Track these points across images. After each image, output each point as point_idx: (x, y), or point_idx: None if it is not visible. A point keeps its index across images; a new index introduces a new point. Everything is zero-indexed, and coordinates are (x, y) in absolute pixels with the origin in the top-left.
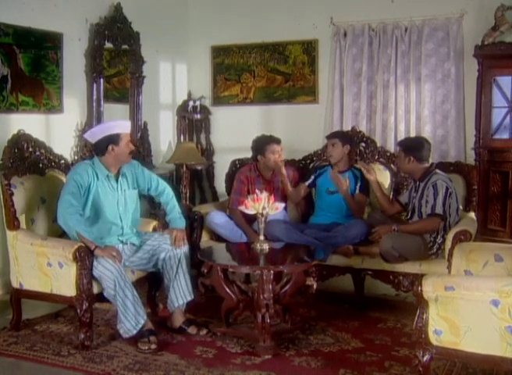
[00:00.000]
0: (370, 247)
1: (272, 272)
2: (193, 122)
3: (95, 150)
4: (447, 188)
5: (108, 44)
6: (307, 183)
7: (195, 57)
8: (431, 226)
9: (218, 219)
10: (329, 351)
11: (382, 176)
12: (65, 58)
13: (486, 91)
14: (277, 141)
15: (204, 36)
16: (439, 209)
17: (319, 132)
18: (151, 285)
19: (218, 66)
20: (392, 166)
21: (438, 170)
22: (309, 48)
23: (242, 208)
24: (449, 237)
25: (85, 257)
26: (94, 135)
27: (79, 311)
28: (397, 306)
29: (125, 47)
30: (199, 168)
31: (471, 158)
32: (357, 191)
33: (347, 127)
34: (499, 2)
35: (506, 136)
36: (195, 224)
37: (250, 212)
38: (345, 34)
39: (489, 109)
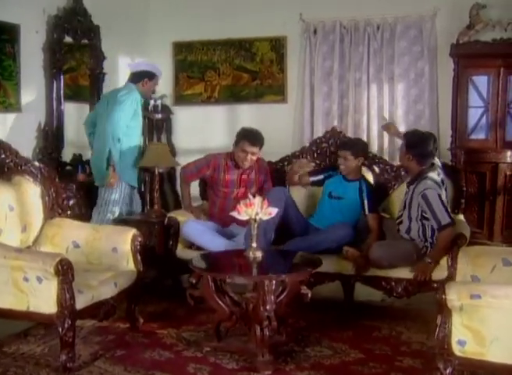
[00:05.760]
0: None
1: (273, 282)
2: (153, 122)
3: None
4: (439, 195)
5: (68, 38)
6: (311, 178)
7: (155, 53)
8: (450, 239)
9: (194, 228)
10: (331, 364)
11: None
12: (22, 52)
13: (462, 91)
14: (252, 141)
15: (165, 31)
16: (445, 219)
17: (288, 133)
18: (130, 299)
19: (181, 63)
20: (374, 167)
21: (430, 174)
22: (277, 45)
23: (234, 213)
24: None
25: (68, 270)
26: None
27: (60, 329)
28: (387, 313)
29: (84, 41)
30: (160, 171)
31: (446, 160)
32: (367, 212)
33: (317, 128)
34: (473, 0)
35: (482, 136)
36: (171, 231)
37: (243, 217)
38: (315, 31)
39: (465, 109)
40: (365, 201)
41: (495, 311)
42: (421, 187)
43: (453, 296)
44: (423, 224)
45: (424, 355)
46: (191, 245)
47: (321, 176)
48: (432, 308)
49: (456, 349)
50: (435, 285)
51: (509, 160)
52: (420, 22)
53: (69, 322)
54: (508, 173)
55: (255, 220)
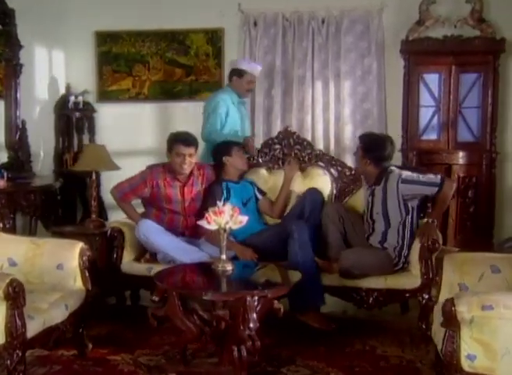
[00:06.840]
0: (329, 262)
1: (256, 298)
2: (73, 121)
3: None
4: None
5: None
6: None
7: (75, 44)
8: (451, 191)
9: (153, 227)
10: None
11: (322, 182)
12: None
13: (413, 89)
14: (185, 142)
15: (86, 18)
16: (436, 178)
17: None
18: (78, 322)
19: (104, 56)
20: (332, 170)
21: (393, 167)
22: (214, 37)
23: (203, 223)
24: (416, 248)
25: (19, 292)
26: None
27: (9, 362)
28: (352, 325)
29: None
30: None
31: (397, 161)
32: (261, 197)
33: (258, 127)
34: None
35: (434, 137)
36: (115, 243)
37: (212, 227)
38: (255, 23)
39: (416, 109)
40: (255, 189)
41: (506, 322)
42: (395, 177)
43: (464, 308)
44: (404, 224)
45: (406, 370)
46: (139, 257)
47: (224, 195)
48: (397, 319)
49: (466, 364)
50: (407, 295)
51: (461, 161)
52: (367, 16)
53: (20, 353)
54: (461, 174)
55: (225, 230)
